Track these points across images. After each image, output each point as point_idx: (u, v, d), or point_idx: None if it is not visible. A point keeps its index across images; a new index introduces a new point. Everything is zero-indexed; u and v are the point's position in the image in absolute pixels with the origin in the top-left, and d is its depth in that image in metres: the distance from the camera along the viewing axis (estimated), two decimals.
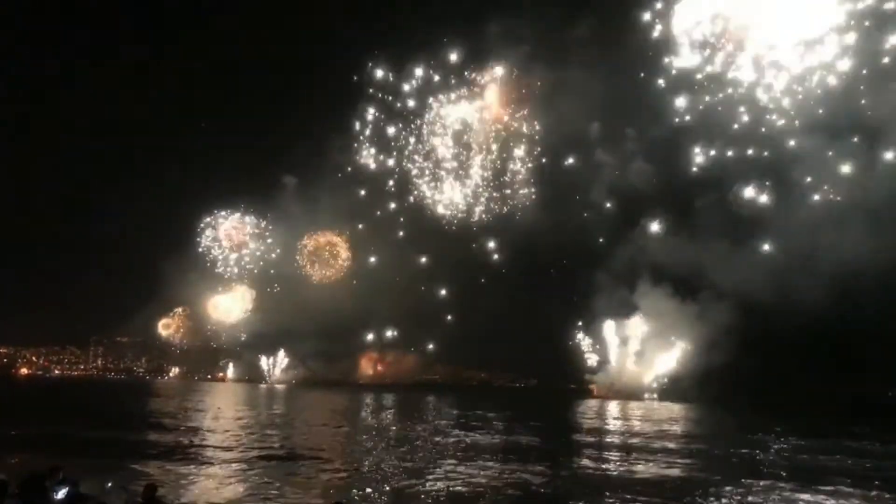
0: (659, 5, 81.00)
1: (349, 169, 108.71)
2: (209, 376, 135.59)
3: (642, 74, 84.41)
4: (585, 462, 26.51)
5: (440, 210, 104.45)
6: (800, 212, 76.65)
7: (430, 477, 21.67)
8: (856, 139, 72.93)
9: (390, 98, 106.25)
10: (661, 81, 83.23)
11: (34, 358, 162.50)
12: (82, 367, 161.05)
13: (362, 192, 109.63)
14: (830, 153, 73.81)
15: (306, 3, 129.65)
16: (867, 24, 70.32)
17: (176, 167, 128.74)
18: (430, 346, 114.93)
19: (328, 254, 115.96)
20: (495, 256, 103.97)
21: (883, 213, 67.71)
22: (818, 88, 73.72)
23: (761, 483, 21.58)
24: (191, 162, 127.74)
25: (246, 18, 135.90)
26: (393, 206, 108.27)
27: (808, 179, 76.05)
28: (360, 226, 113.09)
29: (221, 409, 57.64)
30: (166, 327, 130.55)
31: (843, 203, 73.74)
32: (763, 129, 78.47)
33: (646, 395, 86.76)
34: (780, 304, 72.40)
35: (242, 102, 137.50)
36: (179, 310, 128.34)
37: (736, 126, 79.89)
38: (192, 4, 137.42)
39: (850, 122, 72.65)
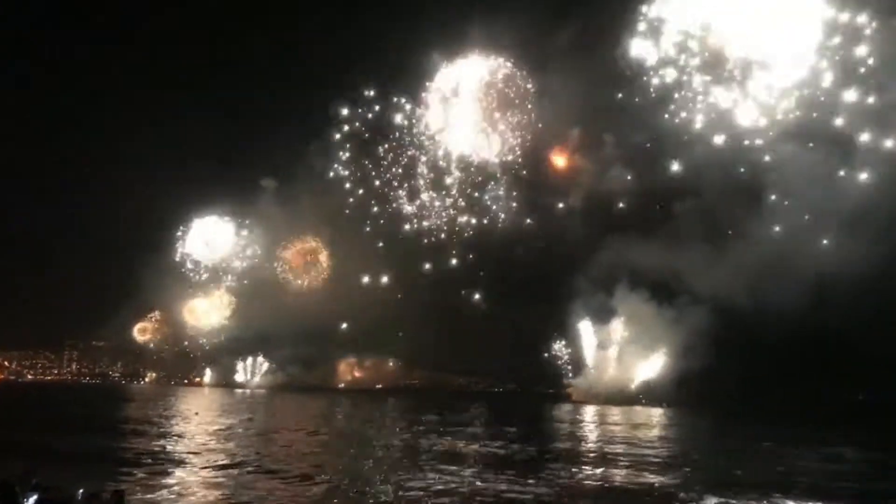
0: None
1: (330, 174, 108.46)
2: (186, 381, 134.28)
3: (622, 83, 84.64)
4: (563, 471, 26.35)
5: (417, 216, 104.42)
6: (776, 218, 77.73)
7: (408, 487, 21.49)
8: (830, 146, 74.51)
9: (368, 112, 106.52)
10: (640, 93, 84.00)
11: (6, 363, 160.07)
12: (56, 371, 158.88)
13: (342, 198, 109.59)
14: (806, 160, 74.74)
15: (284, 7, 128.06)
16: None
17: (153, 169, 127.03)
18: (409, 351, 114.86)
19: (307, 259, 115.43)
20: (475, 263, 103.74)
21: (857, 218, 68.76)
22: (795, 98, 75.07)
23: (736, 493, 21.59)
24: (168, 164, 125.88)
25: (224, 18, 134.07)
26: (372, 212, 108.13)
27: (785, 186, 76.96)
28: (339, 231, 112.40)
29: (199, 414, 57.15)
30: (142, 332, 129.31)
31: (818, 209, 74.67)
32: (743, 141, 79.53)
33: (625, 400, 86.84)
34: (758, 309, 73.51)
35: (221, 102, 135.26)
36: (156, 314, 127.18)
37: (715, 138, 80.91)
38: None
39: (825, 130, 73.81)
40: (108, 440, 32.63)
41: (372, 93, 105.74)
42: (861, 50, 71.06)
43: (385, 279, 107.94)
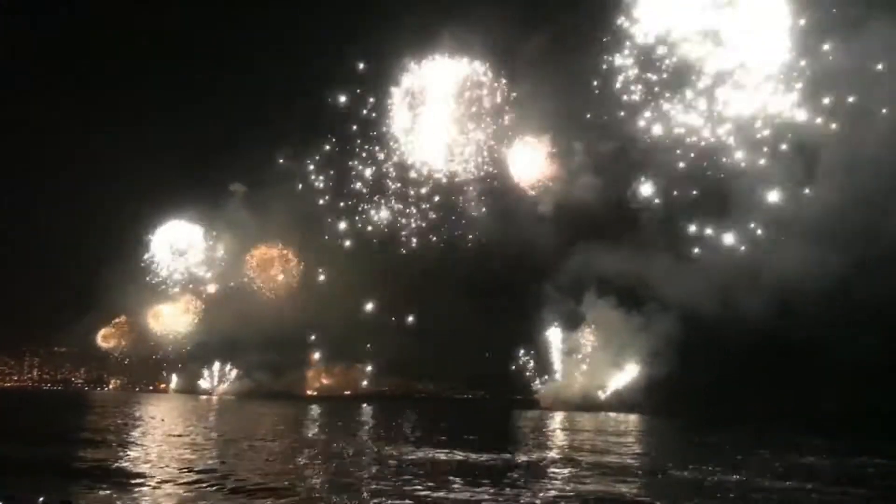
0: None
1: (299, 186, 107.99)
2: (151, 388, 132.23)
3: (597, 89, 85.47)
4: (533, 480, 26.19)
5: (387, 222, 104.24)
6: (743, 227, 78.83)
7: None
8: (795, 156, 75.78)
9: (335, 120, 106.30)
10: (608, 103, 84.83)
11: None
12: (16, 378, 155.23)
13: (312, 204, 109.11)
14: (773, 170, 76.07)
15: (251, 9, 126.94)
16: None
17: (118, 171, 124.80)
18: (379, 358, 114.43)
19: (275, 264, 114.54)
20: (444, 268, 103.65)
21: (822, 228, 69.93)
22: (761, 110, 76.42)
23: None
24: (134, 167, 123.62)
25: (191, 17, 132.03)
26: (342, 221, 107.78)
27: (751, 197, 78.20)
28: (309, 236, 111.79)
29: (164, 421, 56.33)
30: (107, 337, 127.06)
31: (784, 219, 75.88)
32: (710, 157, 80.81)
33: (593, 406, 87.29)
34: (724, 317, 74.47)
35: (189, 104, 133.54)
36: (121, 319, 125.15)
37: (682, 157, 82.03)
38: None
39: (791, 140, 75.29)
40: (67, 449, 31.80)
41: (343, 98, 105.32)
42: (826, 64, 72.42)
43: (355, 287, 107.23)
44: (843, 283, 67.77)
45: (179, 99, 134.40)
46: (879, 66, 68.22)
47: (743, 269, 77.27)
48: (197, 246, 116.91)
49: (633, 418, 74.38)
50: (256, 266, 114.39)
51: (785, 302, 71.16)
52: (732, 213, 79.77)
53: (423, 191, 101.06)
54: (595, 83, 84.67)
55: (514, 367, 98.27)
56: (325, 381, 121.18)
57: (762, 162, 77.22)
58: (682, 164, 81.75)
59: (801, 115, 74.30)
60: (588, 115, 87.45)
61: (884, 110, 67.73)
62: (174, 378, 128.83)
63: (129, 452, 32.26)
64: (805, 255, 71.04)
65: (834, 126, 71.80)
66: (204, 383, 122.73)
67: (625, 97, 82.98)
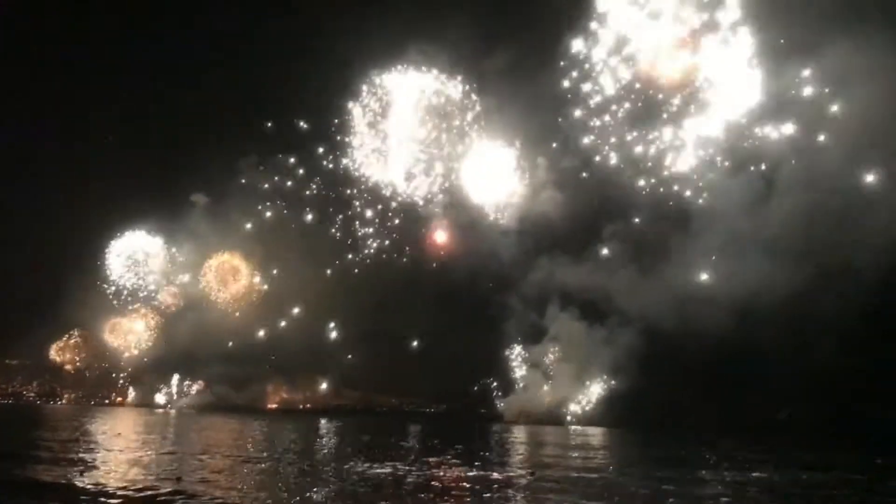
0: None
1: (264, 187, 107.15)
2: (106, 401, 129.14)
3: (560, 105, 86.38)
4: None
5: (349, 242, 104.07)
6: (701, 241, 79.99)
7: None
8: (753, 168, 77.49)
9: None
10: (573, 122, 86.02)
11: None
12: None
13: (274, 218, 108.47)
14: (731, 184, 77.45)
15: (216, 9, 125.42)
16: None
17: (74, 180, 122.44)
18: (341, 372, 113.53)
19: (236, 277, 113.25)
20: (407, 282, 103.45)
21: (779, 242, 71.36)
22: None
23: None
24: (92, 176, 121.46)
25: (151, 23, 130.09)
26: (304, 233, 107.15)
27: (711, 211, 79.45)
28: (270, 249, 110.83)
29: (121, 435, 55.10)
30: (60, 350, 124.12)
31: (741, 233, 77.21)
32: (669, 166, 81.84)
33: (557, 420, 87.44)
34: (684, 330, 75.52)
35: (150, 115, 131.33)
36: (76, 332, 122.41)
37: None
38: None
39: (749, 153, 77.08)
40: (13, 467, 30.75)
41: (304, 124, 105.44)
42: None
43: (315, 301, 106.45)
44: (800, 294, 69.32)
45: (139, 108, 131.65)
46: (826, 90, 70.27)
47: (702, 283, 78.50)
48: (156, 258, 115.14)
49: (596, 431, 74.68)
50: (215, 277, 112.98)
51: (743, 314, 72.52)
52: (693, 228, 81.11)
53: (389, 206, 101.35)
54: (558, 99, 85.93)
55: (477, 381, 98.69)
56: (286, 395, 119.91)
57: (722, 177, 78.93)
58: (642, 185, 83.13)
59: (762, 132, 76.13)
60: (552, 131, 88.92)
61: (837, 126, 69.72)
62: (131, 392, 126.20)
63: (84, 468, 31.33)
64: (763, 267, 72.50)
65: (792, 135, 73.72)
66: (162, 397, 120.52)
67: (587, 116, 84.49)
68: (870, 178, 67.44)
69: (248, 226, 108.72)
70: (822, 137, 72.10)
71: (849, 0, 64.71)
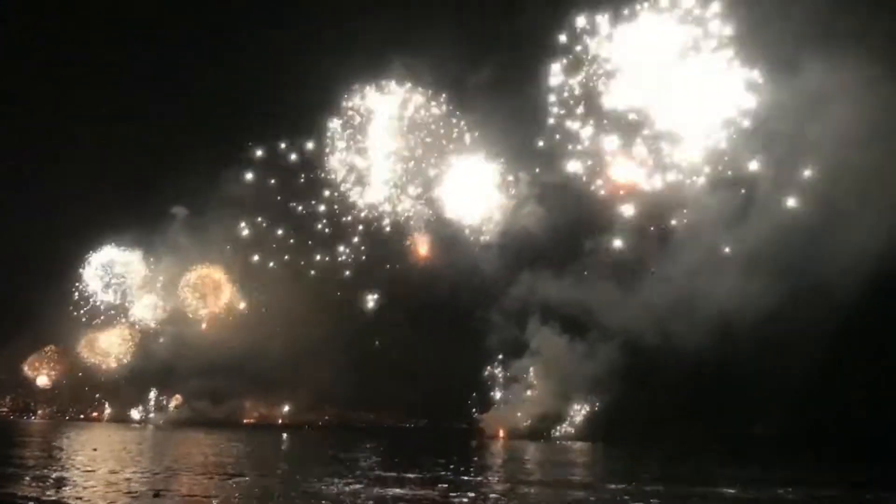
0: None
1: (244, 200, 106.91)
2: (82, 416, 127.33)
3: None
4: None
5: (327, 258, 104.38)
6: (681, 257, 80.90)
7: None
8: (733, 188, 78.63)
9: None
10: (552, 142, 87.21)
11: None
12: None
13: (253, 231, 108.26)
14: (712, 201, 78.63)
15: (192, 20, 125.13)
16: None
17: (52, 193, 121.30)
18: (318, 386, 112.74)
19: (214, 290, 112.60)
20: (386, 299, 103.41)
21: (758, 260, 72.45)
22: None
23: None
24: (70, 188, 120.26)
25: (127, 33, 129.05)
26: (283, 248, 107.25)
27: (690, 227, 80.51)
28: (250, 263, 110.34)
29: (97, 450, 54.53)
30: (34, 365, 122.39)
31: (719, 250, 78.32)
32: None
33: (537, 434, 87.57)
34: (665, 345, 76.42)
35: (129, 125, 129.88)
36: (51, 347, 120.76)
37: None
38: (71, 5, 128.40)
39: (729, 172, 78.42)
40: None
41: (282, 145, 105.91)
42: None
43: (295, 313, 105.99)
44: (777, 312, 70.38)
45: (118, 119, 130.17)
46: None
47: (682, 299, 79.24)
48: (134, 271, 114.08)
49: (579, 446, 75.02)
50: (194, 291, 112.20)
51: (722, 331, 73.40)
52: (673, 242, 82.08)
53: (370, 220, 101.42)
54: (541, 115, 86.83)
55: (457, 396, 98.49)
56: (263, 410, 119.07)
57: (701, 197, 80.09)
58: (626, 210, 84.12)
59: (741, 156, 77.69)
60: (534, 146, 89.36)
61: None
62: (107, 407, 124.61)
63: (58, 487, 30.95)
64: (741, 285, 73.53)
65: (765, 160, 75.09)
66: (140, 412, 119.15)
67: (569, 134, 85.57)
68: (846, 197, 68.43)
69: (229, 240, 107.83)
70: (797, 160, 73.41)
71: (824, 24, 66.23)
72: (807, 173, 72.23)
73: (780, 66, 72.77)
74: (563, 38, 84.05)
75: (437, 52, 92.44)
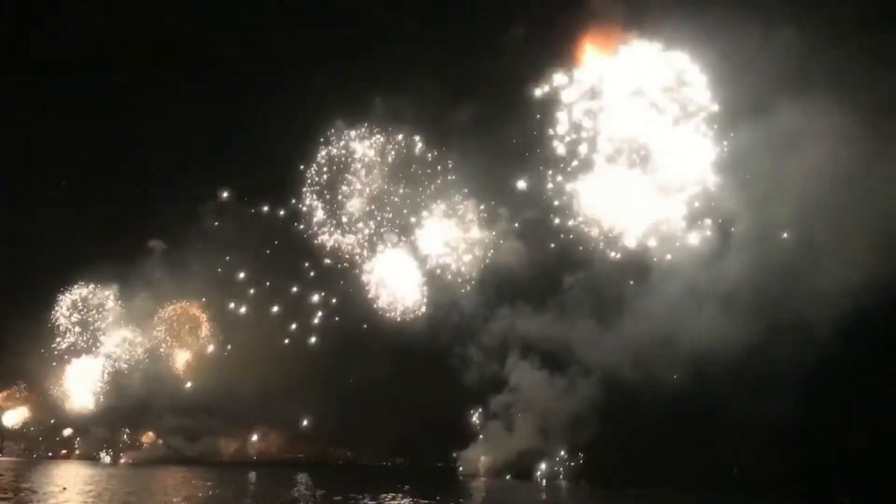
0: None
1: (222, 235, 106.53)
2: (50, 454, 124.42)
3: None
4: None
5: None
6: (660, 295, 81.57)
7: None
8: (709, 222, 79.98)
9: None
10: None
11: None
12: None
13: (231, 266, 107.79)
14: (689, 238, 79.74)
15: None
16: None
17: (24, 228, 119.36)
18: (297, 423, 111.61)
19: (187, 325, 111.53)
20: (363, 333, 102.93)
21: (737, 297, 73.28)
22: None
23: None
24: (39, 220, 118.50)
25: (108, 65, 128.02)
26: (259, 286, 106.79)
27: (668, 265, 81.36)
28: (225, 300, 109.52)
29: (66, 490, 53.31)
30: (3, 402, 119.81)
31: (698, 287, 79.04)
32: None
33: (517, 472, 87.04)
34: (643, 382, 76.73)
35: (105, 157, 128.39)
36: (21, 384, 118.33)
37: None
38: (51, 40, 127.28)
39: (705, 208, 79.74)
40: None
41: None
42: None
43: (270, 351, 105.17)
44: (755, 348, 71.09)
45: (94, 152, 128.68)
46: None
47: (660, 335, 79.73)
48: (109, 306, 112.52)
49: (559, 483, 74.72)
50: (169, 327, 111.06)
51: (699, 368, 73.96)
52: (652, 280, 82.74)
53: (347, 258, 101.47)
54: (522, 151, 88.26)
55: (435, 433, 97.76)
56: (238, 448, 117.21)
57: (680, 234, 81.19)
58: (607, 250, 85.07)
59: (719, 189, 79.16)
60: (515, 183, 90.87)
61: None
62: (79, 444, 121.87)
63: None
64: (719, 321, 74.21)
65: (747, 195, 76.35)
66: (112, 449, 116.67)
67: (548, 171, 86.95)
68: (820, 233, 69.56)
69: (206, 275, 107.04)
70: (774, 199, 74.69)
71: (798, 67, 68.18)
72: (784, 212, 73.29)
73: (755, 107, 74.37)
74: (539, 91, 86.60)
75: (418, 93, 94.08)
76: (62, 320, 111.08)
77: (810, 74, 68.74)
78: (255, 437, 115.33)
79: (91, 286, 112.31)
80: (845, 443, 69.39)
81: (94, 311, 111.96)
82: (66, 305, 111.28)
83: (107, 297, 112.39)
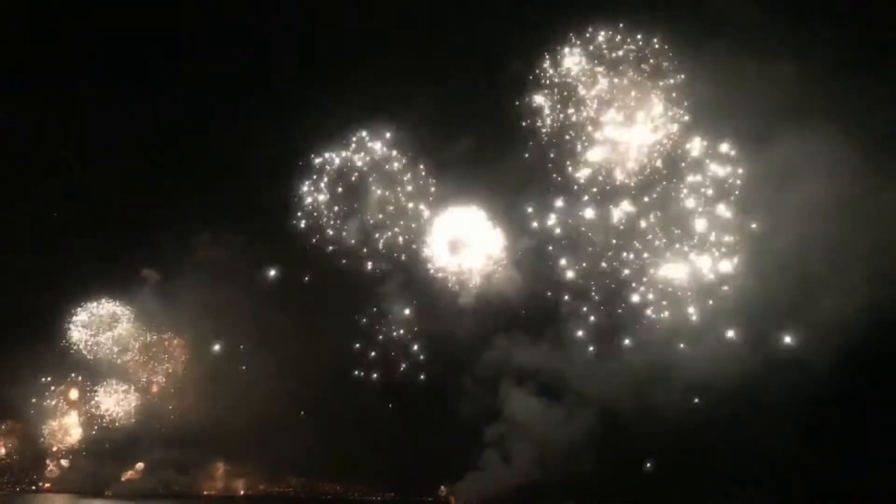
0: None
1: (215, 264, 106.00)
2: (34, 487, 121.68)
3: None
4: None
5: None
6: (655, 327, 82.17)
7: None
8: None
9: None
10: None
11: None
12: None
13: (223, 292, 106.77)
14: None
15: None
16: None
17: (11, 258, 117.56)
18: (282, 457, 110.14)
19: (171, 355, 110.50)
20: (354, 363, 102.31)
21: (734, 328, 74.04)
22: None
23: None
24: (26, 251, 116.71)
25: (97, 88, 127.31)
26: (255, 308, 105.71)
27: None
28: (219, 327, 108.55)
29: None
30: None
31: (693, 320, 79.80)
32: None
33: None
34: (639, 413, 76.93)
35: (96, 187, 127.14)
36: (8, 421, 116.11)
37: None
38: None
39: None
40: None
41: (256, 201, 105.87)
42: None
43: (259, 383, 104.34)
44: (752, 382, 71.62)
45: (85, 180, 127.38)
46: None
47: (657, 368, 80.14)
48: (99, 337, 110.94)
49: None
50: (159, 358, 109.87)
51: (696, 401, 74.42)
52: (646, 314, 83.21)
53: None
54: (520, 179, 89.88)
55: (428, 466, 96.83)
56: (225, 481, 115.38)
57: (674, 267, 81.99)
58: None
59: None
60: (512, 210, 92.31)
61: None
62: (64, 477, 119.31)
63: None
64: (716, 354, 74.78)
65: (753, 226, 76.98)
66: (100, 482, 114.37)
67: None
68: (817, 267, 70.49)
69: (199, 305, 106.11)
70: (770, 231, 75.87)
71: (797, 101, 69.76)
72: (780, 243, 74.30)
73: (753, 139, 75.75)
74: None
75: (416, 122, 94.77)
76: (52, 350, 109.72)
77: (809, 108, 70.34)
78: (244, 472, 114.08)
79: (82, 317, 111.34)
80: (841, 475, 69.86)
81: (84, 342, 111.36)
82: (57, 335, 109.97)
83: (98, 326, 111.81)
